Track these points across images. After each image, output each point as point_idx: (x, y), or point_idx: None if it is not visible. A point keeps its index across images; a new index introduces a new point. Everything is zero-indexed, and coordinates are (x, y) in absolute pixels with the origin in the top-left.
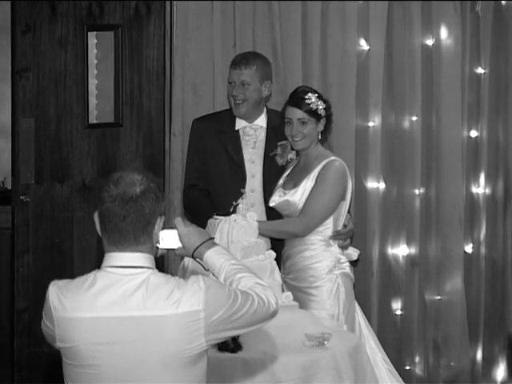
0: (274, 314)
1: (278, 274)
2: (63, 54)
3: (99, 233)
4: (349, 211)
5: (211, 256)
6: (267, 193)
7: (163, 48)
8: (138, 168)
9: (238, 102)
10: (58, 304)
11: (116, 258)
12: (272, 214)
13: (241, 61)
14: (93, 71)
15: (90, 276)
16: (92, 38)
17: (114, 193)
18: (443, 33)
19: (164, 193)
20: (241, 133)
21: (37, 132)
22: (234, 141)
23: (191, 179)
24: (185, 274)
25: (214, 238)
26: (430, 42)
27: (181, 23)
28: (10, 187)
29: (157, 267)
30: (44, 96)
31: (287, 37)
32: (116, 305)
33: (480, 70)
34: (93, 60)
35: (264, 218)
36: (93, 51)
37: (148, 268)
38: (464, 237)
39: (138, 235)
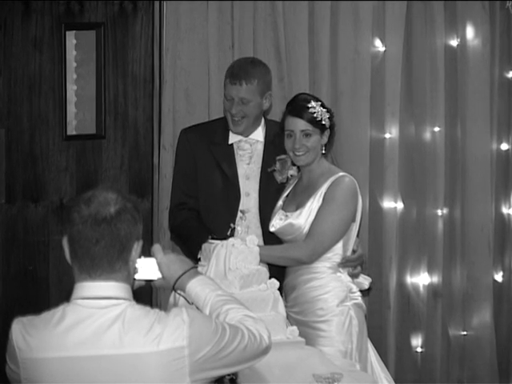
0: (266, 351)
1: (282, 306)
2: (38, 57)
3: (68, 261)
4: (358, 235)
5: (194, 287)
6: (264, 214)
7: (151, 50)
8: (113, 187)
9: (236, 119)
10: (22, 344)
11: (87, 288)
12: (270, 238)
13: (239, 74)
14: (71, 76)
15: (59, 310)
16: (71, 38)
17: (86, 213)
18: (469, 32)
19: (140, 214)
20: (235, 147)
21: (8, 145)
22: (227, 155)
23: (179, 197)
24: (176, 303)
25: (197, 267)
26: (454, 42)
27: (171, 22)
28: None
29: (145, 298)
30: (16, 104)
31: (292, 37)
32: (88, 343)
33: (511, 75)
34: (71, 63)
35: (261, 242)
36: (71, 53)
37: (124, 299)
38: (493, 264)
39: (112, 261)
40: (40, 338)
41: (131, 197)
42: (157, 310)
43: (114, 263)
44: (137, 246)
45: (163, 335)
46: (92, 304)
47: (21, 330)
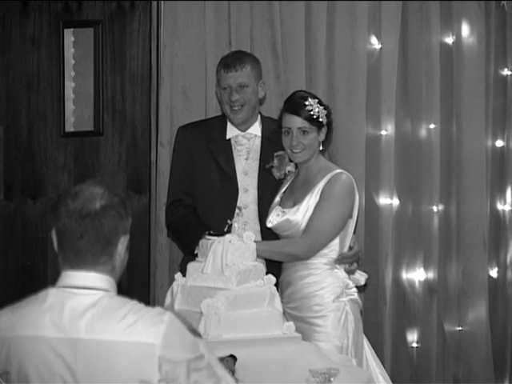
0: None
1: (278, 302)
2: (36, 54)
3: (56, 251)
4: (354, 231)
5: None
6: (262, 210)
7: (149, 47)
8: (101, 181)
9: (236, 107)
10: (5, 323)
11: (70, 277)
12: (268, 234)
13: (233, 62)
14: (70, 73)
15: (43, 293)
16: (69, 36)
17: (71, 208)
18: (465, 30)
19: (128, 209)
20: (232, 142)
21: (6, 141)
22: (224, 151)
23: (176, 194)
24: (173, 301)
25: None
26: (449, 40)
27: (169, 20)
28: None
29: (144, 293)
30: (14, 101)
31: (289, 35)
32: (62, 326)
33: (506, 72)
34: (70, 60)
35: (259, 238)
36: (70, 50)
37: (104, 290)
38: (488, 260)
39: (96, 256)
40: (22, 316)
41: (119, 192)
42: (135, 302)
43: (97, 257)
44: (123, 240)
45: (136, 327)
46: (72, 291)
47: (7, 311)
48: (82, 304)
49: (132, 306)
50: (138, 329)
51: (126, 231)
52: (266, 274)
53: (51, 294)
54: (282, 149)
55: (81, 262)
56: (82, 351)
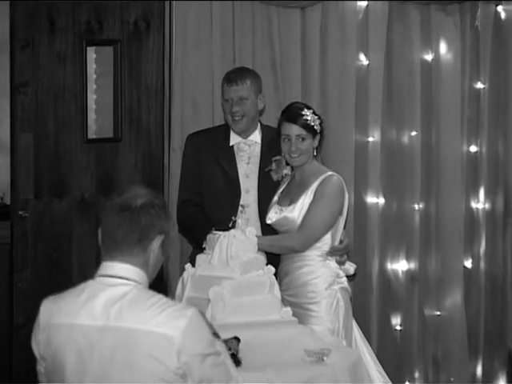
0: None
1: (277, 289)
2: (62, 69)
3: (100, 244)
4: (344, 227)
5: None
6: (262, 208)
7: (162, 63)
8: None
9: (237, 118)
10: (46, 312)
11: (106, 267)
12: (267, 229)
13: (235, 77)
14: (92, 86)
15: (82, 285)
16: (91, 53)
17: (116, 201)
18: (442, 48)
19: (167, 213)
20: (235, 148)
21: (36, 147)
22: (228, 156)
23: (185, 195)
24: (184, 289)
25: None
26: (429, 57)
27: (180, 39)
28: (8, 202)
29: (157, 282)
30: (43, 111)
31: (286, 53)
32: (96, 314)
33: (479, 85)
34: (92, 75)
35: (259, 233)
36: (92, 66)
37: (135, 282)
38: (464, 252)
39: (130, 246)
40: (63, 305)
41: (161, 197)
42: (162, 296)
43: (131, 248)
44: (159, 239)
45: (160, 318)
46: (107, 281)
47: (49, 301)
48: (114, 295)
49: (158, 299)
50: (162, 320)
51: (162, 231)
52: (266, 264)
53: (88, 287)
54: (280, 154)
55: (117, 251)
56: (110, 337)
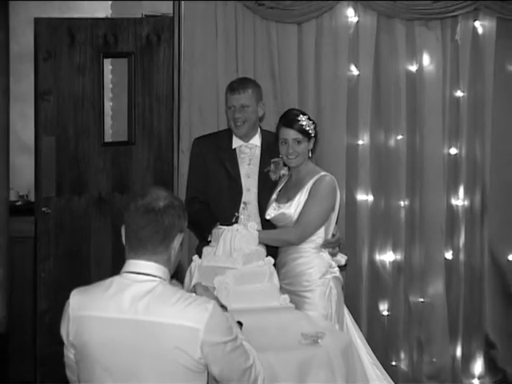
0: None
1: (276, 279)
2: (81, 79)
3: (123, 242)
4: (336, 222)
5: None
6: (261, 205)
7: (172, 74)
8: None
9: (239, 123)
10: (75, 303)
11: (132, 264)
12: (266, 224)
13: (238, 86)
14: (108, 94)
15: (109, 280)
16: (107, 65)
17: (140, 204)
18: (426, 59)
19: (185, 212)
20: (237, 151)
21: (57, 149)
22: (231, 158)
23: (192, 192)
24: (192, 278)
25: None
26: (413, 67)
27: (188, 51)
28: (33, 200)
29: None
30: (64, 116)
31: (284, 63)
32: (123, 308)
33: (459, 94)
34: (108, 84)
35: (259, 228)
36: (108, 76)
37: (160, 278)
38: (445, 245)
39: (155, 245)
40: (91, 298)
41: (179, 198)
42: (185, 291)
43: (156, 246)
44: (179, 237)
45: (185, 313)
46: (133, 277)
47: (78, 292)
48: (141, 290)
49: (182, 294)
50: (186, 314)
51: (181, 230)
52: (266, 256)
53: (115, 282)
54: (278, 156)
55: (142, 249)
56: (138, 330)
